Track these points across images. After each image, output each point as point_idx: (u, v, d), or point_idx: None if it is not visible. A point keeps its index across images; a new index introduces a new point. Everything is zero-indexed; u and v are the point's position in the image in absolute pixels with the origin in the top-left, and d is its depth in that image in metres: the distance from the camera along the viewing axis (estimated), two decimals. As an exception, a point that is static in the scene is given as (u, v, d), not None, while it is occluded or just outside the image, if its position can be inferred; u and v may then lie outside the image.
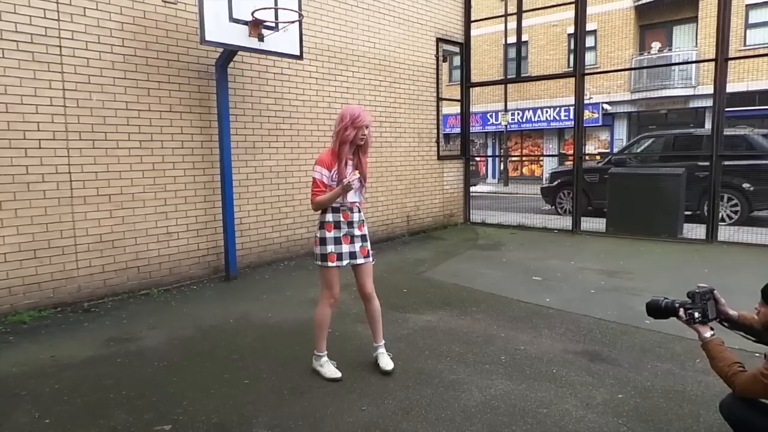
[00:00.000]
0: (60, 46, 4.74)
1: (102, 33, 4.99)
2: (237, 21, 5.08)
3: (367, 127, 3.22)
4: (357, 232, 3.35)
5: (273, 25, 5.32)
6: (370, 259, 3.41)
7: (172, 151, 5.56)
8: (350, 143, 3.22)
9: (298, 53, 5.69)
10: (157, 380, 3.34)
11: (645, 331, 4.09)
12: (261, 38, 5.28)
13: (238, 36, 5.12)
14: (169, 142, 5.52)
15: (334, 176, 3.22)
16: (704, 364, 3.45)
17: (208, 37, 4.88)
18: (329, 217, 3.29)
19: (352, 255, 3.33)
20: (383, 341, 3.53)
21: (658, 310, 2.49)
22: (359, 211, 3.39)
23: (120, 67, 5.13)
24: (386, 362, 3.43)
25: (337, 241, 3.29)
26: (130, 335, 4.15)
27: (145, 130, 5.33)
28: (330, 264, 3.28)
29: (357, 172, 3.22)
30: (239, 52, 5.50)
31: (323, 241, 3.29)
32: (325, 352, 3.44)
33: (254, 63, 6.23)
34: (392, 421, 2.81)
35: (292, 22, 5.44)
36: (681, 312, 2.37)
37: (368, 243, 3.41)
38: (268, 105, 6.44)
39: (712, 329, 2.35)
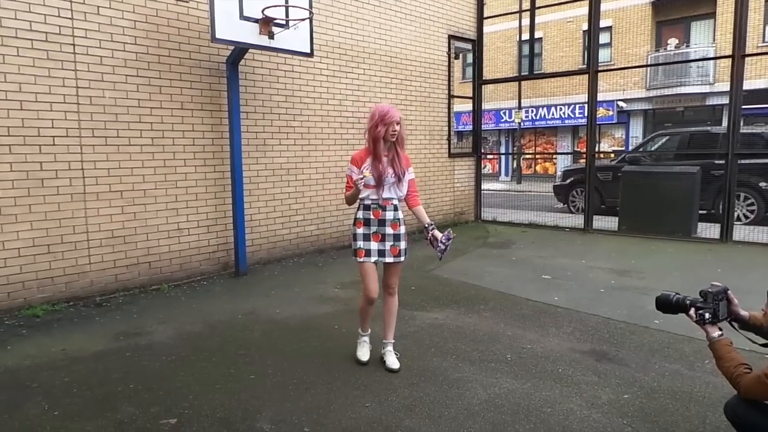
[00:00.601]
0: (74, 44, 4.81)
1: (115, 31, 5.05)
2: (247, 19, 5.11)
3: (398, 123, 3.25)
4: (389, 230, 3.34)
5: (283, 22, 5.34)
6: (401, 258, 3.41)
7: (183, 148, 5.61)
8: (383, 140, 3.25)
9: (308, 51, 5.71)
10: (164, 374, 3.39)
11: (654, 331, 4.05)
12: (271, 36, 5.30)
13: (249, 34, 5.15)
14: (180, 139, 5.58)
15: (364, 172, 3.26)
16: (713, 366, 3.40)
17: (218, 35, 4.91)
18: (360, 214, 3.36)
19: (381, 253, 3.35)
20: (393, 340, 3.55)
21: (667, 305, 2.42)
22: (395, 210, 3.37)
23: (132, 64, 5.18)
24: (392, 361, 3.45)
25: (366, 237, 3.33)
26: (140, 330, 4.21)
27: (157, 127, 5.39)
28: (358, 259, 3.35)
29: (366, 172, 3.23)
30: (250, 50, 5.54)
31: (354, 237, 3.38)
32: (368, 332, 3.55)
33: (265, 60, 6.26)
34: (395, 418, 2.82)
35: (303, 19, 5.45)
36: (691, 311, 2.33)
37: (402, 242, 3.38)
38: (278, 102, 6.47)
39: (720, 329, 2.31)
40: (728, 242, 7.38)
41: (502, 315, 4.50)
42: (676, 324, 4.16)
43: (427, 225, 3.40)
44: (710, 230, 7.95)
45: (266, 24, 5.24)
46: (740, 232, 7.73)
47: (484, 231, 8.88)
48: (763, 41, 17.10)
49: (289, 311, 4.67)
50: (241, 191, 5.86)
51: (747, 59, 7.41)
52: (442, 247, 3.32)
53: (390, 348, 3.52)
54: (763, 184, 9.13)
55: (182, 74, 5.54)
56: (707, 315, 2.28)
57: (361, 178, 3.19)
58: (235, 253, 5.94)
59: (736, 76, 7.22)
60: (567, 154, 21.41)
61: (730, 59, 7.32)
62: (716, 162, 8.49)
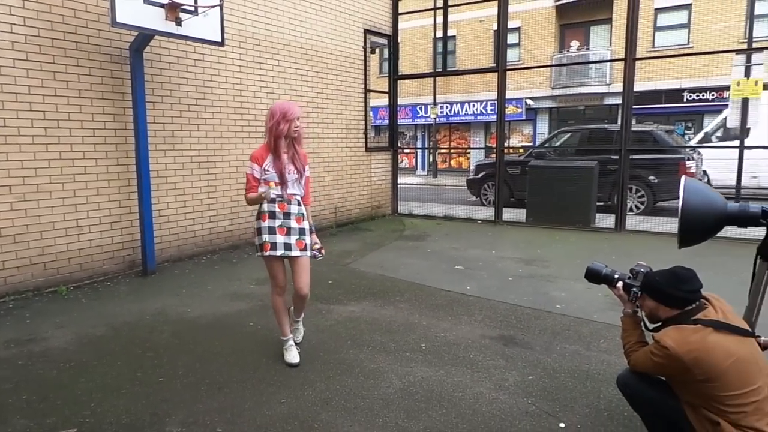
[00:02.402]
0: (-51, 23, 4.34)
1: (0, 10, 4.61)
2: (152, 3, 4.83)
3: (298, 119, 3.23)
4: (294, 224, 3.32)
5: (192, 9, 5.12)
6: (308, 252, 3.37)
7: (82, 139, 5.23)
8: (285, 137, 3.22)
9: (219, 40, 5.50)
10: (62, 382, 3.16)
11: (556, 315, 4.33)
12: (179, 22, 5.05)
13: (154, 19, 4.87)
14: (79, 129, 5.20)
15: (266, 169, 3.23)
16: (608, 344, 3.71)
17: (119, 19, 4.61)
18: (264, 206, 3.30)
19: (287, 246, 3.31)
20: (303, 315, 3.65)
21: (596, 275, 2.55)
22: (299, 204, 3.36)
23: (21, 48, 4.75)
24: (298, 337, 3.60)
25: (272, 231, 3.29)
26: (34, 336, 3.89)
27: (51, 117, 4.99)
28: (264, 253, 3.30)
29: (272, 184, 3.22)
30: (156, 37, 5.25)
31: (258, 231, 3.32)
32: (289, 337, 3.50)
33: (173, 48, 5.97)
34: (311, 413, 2.82)
35: (212, 6, 5.24)
36: (619, 284, 2.46)
37: (307, 237, 3.37)
38: (188, 92, 6.20)
39: (637, 307, 2.45)
40: (622, 231, 8.01)
41: (417, 305, 4.61)
42: (575, 308, 4.49)
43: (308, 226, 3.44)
44: (607, 220, 8.58)
45: (173, 9, 4.99)
46: (632, 221, 8.41)
47: (400, 224, 9.04)
48: (653, 46, 18.64)
49: (200, 310, 4.51)
50: (148, 185, 5.57)
51: (638, 63, 8.05)
52: (315, 254, 3.44)
53: (299, 325, 3.67)
54: (652, 178, 9.98)
55: (79, 60, 5.16)
56: (639, 293, 2.38)
57: (265, 194, 3.17)
58: (142, 251, 5.64)
59: (628, 77, 7.82)
60: (479, 149, 22.22)
61: (623, 62, 7.92)
62: (612, 157, 9.16)
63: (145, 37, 5.13)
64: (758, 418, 1.98)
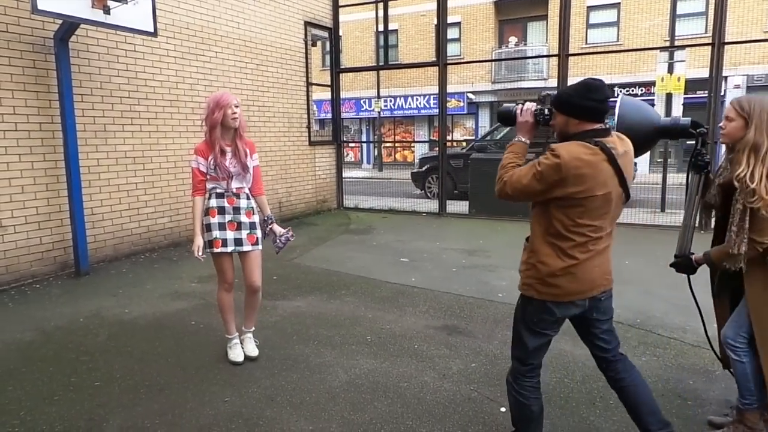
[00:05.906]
0: None
1: None
2: (78, -10, 4.59)
3: (237, 106, 3.12)
4: (244, 219, 3.26)
5: (121, -4, 4.90)
6: (259, 246, 3.33)
7: (4, 134, 4.92)
8: (222, 126, 3.11)
9: (151, 29, 5.29)
10: (-13, 392, 2.98)
11: (498, 303, 4.46)
12: (107, 10, 4.82)
13: (79, 6, 4.63)
14: (-1, 123, 4.88)
15: (211, 164, 3.14)
16: (545, 330, 3.85)
17: (41, 6, 4.35)
18: (213, 202, 3.20)
19: (238, 242, 3.24)
20: (253, 328, 3.51)
21: (507, 115, 2.41)
22: (247, 198, 3.29)
23: (-70, 35, 4.41)
24: (252, 348, 3.42)
25: (222, 226, 3.21)
26: (-46, 344, 3.64)
27: (-33, 110, 4.66)
28: (215, 250, 3.20)
29: (201, 254, 3.13)
30: (83, 25, 4.99)
31: (208, 227, 3.20)
32: (235, 335, 3.42)
33: (101, 38, 5.69)
34: (256, 410, 2.79)
35: (144, -5, 5.04)
36: (532, 107, 2.29)
37: (258, 231, 3.31)
38: (119, 84, 5.93)
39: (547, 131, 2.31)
40: (559, 221, 8.31)
41: (363, 299, 4.63)
42: (516, 296, 4.62)
43: (266, 218, 3.39)
44: (545, 211, 8.87)
45: (101, -3, 4.76)
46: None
47: (346, 218, 9.03)
48: (586, 43, 19.39)
49: (139, 310, 4.35)
50: (79, 182, 5.30)
51: (571, 58, 8.37)
52: (280, 244, 3.38)
53: (250, 335, 3.49)
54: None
55: (-2, 49, 4.84)
56: (546, 112, 2.25)
57: (199, 256, 3.10)
58: (74, 251, 5.37)
59: (562, 73, 8.11)
60: (423, 142, 22.46)
61: (557, 58, 8.20)
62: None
63: (70, 25, 4.87)
64: (583, 250, 2.04)
